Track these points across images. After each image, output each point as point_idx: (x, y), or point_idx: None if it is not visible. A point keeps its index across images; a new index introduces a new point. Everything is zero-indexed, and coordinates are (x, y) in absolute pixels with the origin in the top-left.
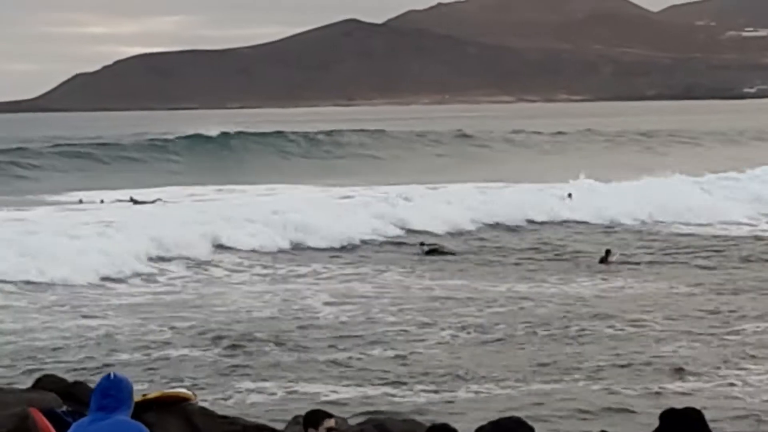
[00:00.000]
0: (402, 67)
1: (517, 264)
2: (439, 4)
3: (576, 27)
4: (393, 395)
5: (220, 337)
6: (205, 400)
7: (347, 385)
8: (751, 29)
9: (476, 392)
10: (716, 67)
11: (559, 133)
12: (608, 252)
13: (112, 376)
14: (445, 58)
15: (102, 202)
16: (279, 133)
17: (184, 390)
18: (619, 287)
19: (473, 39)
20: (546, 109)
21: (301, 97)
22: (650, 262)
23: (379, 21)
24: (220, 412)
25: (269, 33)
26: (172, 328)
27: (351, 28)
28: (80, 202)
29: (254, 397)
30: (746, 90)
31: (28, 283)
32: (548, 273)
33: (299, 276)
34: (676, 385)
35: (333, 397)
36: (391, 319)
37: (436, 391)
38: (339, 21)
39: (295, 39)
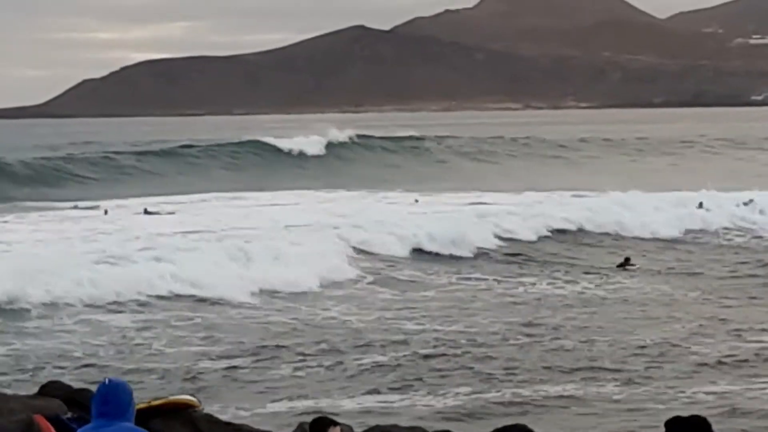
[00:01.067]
0: (409, 73)
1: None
2: (446, 11)
3: (584, 34)
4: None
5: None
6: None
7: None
8: (758, 36)
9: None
10: (724, 74)
11: (642, 139)
12: (627, 259)
13: (107, 381)
14: (452, 65)
15: (106, 213)
16: (416, 138)
17: (189, 397)
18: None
19: (480, 45)
20: (557, 116)
21: (309, 104)
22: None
23: (386, 28)
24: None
25: (276, 39)
26: (239, 342)
27: (358, 34)
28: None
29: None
30: (754, 97)
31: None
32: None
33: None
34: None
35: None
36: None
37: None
38: (346, 27)
39: (302, 45)
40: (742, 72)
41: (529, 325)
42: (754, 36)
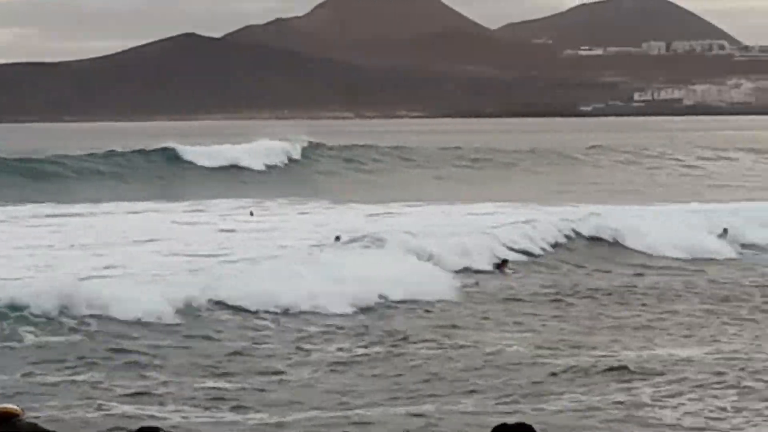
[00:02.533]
0: (240, 82)
1: None
2: (278, 19)
3: (416, 44)
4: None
5: None
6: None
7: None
8: (587, 48)
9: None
10: (554, 85)
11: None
12: (504, 261)
13: None
14: (284, 74)
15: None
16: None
17: (10, 405)
18: None
19: (312, 54)
20: (391, 125)
21: (138, 112)
22: None
23: (217, 35)
24: None
25: (106, 46)
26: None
27: (188, 42)
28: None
29: None
30: (582, 108)
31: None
32: None
33: None
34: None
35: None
36: None
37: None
38: (176, 35)
39: (133, 52)
40: (571, 83)
41: None
42: (583, 47)
